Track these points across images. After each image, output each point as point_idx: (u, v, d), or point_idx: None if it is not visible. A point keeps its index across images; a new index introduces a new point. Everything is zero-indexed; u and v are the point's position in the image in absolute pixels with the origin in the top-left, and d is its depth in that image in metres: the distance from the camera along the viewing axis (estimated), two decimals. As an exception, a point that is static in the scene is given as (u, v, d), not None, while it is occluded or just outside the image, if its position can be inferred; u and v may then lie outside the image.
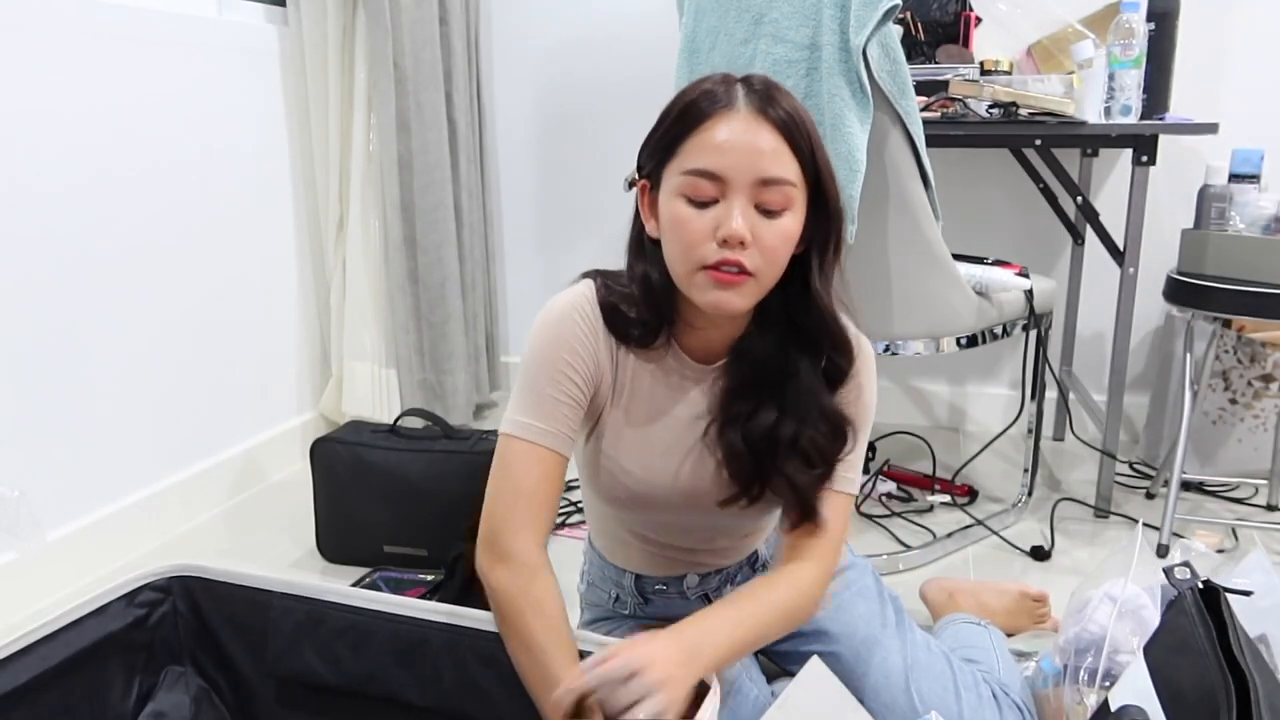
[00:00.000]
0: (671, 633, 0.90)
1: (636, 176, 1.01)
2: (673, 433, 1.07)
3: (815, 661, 1.06)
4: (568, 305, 1.02)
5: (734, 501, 1.05)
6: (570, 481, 2.28)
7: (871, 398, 1.08)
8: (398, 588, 1.71)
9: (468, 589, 1.64)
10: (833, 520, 1.04)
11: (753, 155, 0.91)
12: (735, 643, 0.94)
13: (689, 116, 0.94)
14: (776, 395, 1.02)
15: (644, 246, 1.02)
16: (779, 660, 1.25)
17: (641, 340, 1.03)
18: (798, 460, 1.02)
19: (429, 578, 1.73)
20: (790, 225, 0.94)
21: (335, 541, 1.87)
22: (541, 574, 0.97)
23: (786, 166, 0.92)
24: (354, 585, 1.71)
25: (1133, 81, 1.94)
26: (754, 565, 1.25)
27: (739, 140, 0.91)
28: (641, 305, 1.01)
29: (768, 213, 0.93)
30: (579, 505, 2.15)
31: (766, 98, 0.93)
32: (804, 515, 1.03)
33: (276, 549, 1.95)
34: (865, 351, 1.07)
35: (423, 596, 1.66)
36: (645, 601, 1.23)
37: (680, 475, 1.07)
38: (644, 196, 1.01)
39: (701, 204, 0.93)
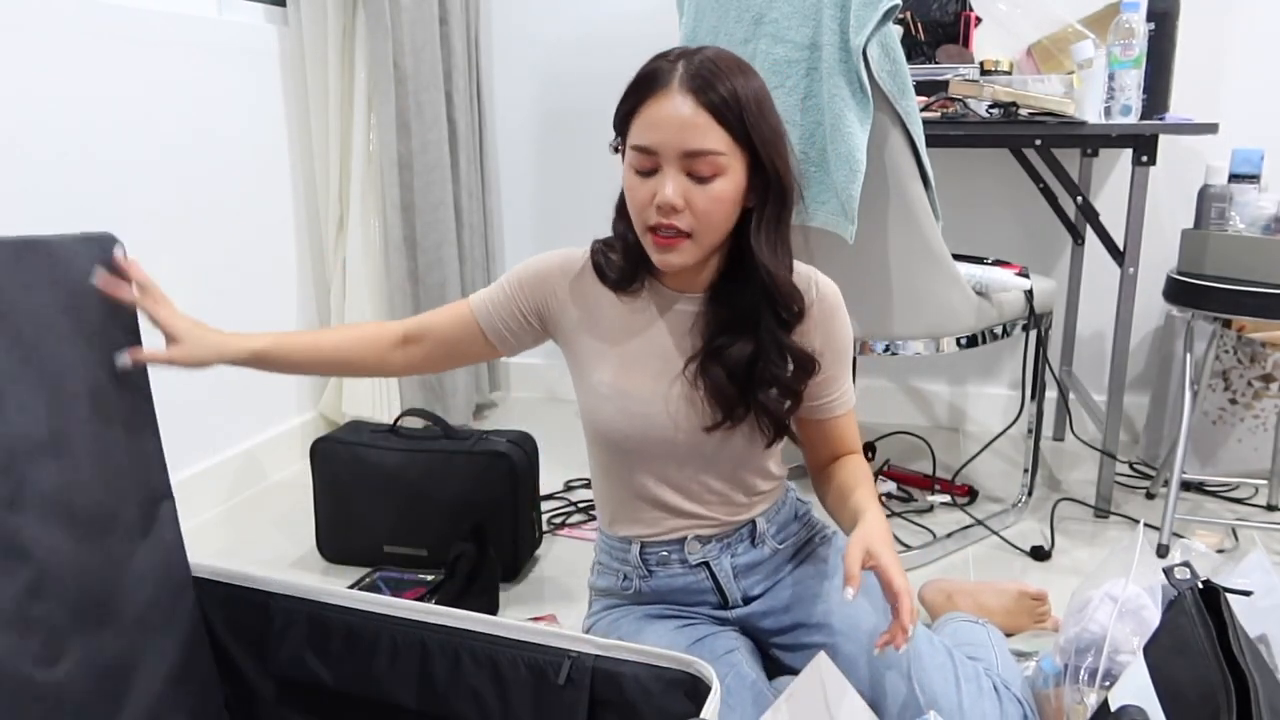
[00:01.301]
0: (868, 527, 1.09)
1: (620, 145, 1.14)
2: (660, 358, 1.18)
3: (822, 657, 1.07)
4: (556, 252, 1.24)
5: (718, 426, 1.16)
6: (571, 482, 2.28)
7: (843, 329, 1.21)
8: (398, 588, 1.71)
9: (468, 589, 1.64)
10: (851, 435, 1.28)
11: (679, 130, 1.04)
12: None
13: (635, 94, 1.08)
14: (751, 333, 1.14)
15: (624, 206, 1.15)
16: (783, 653, 1.25)
17: (618, 285, 1.19)
18: (769, 390, 1.15)
19: (429, 578, 1.73)
20: (723, 188, 1.06)
21: (335, 541, 1.87)
22: (367, 327, 1.26)
23: (712, 138, 1.04)
24: (354, 585, 1.71)
25: (1133, 81, 1.94)
26: (754, 538, 1.27)
27: (667, 117, 1.04)
28: (620, 255, 1.18)
29: (700, 179, 1.05)
30: (579, 505, 2.15)
31: (699, 77, 1.04)
32: (778, 434, 1.19)
33: (276, 549, 1.95)
34: (824, 292, 1.19)
35: (422, 597, 1.66)
36: (649, 574, 1.26)
37: (670, 398, 1.18)
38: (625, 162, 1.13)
39: (645, 173, 1.07)
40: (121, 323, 1.01)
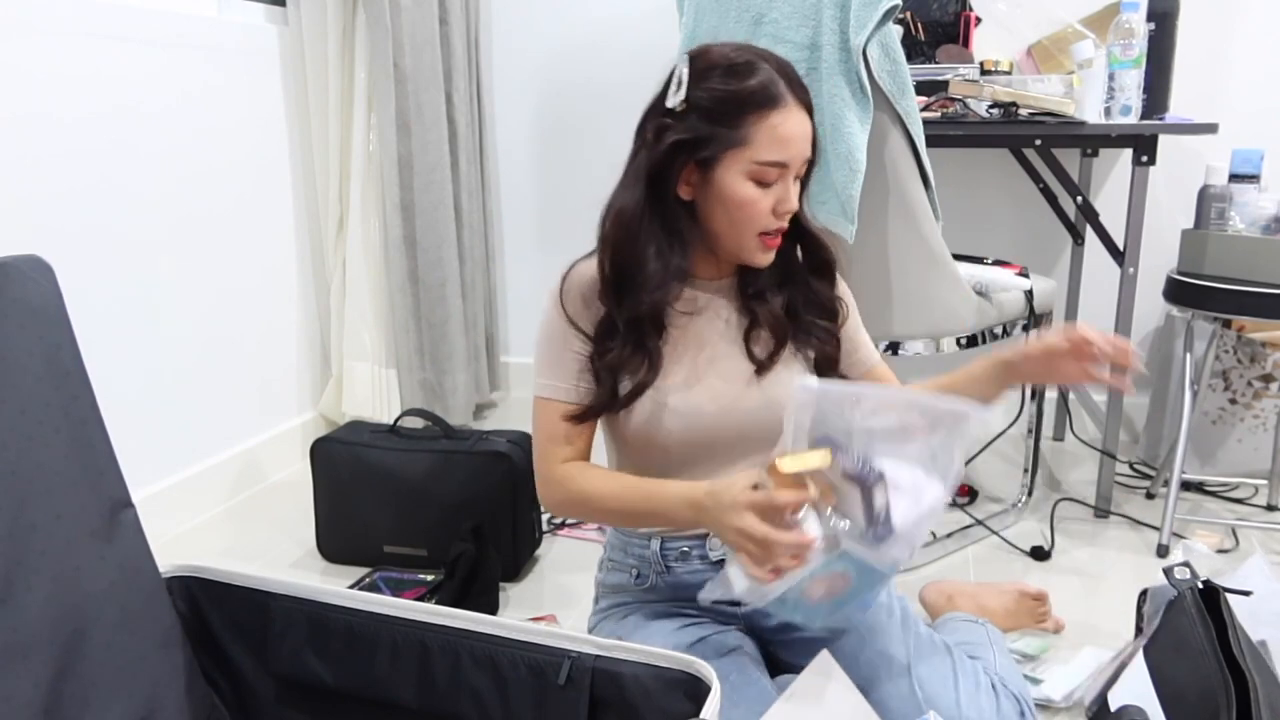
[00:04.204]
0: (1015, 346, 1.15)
1: (673, 139, 1.10)
2: (720, 358, 1.20)
3: (824, 655, 1.07)
4: (564, 271, 1.20)
5: (773, 360, 1.19)
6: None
7: (844, 283, 1.28)
8: (397, 588, 1.71)
9: (468, 589, 1.64)
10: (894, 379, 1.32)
11: (803, 144, 1.11)
12: None
13: (747, 108, 1.08)
14: (784, 284, 1.21)
15: (665, 206, 1.13)
16: (785, 650, 1.26)
17: (663, 299, 1.15)
18: (811, 335, 1.22)
19: (429, 578, 1.73)
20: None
21: (335, 541, 1.87)
22: (585, 466, 1.19)
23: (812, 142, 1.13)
24: (354, 585, 1.71)
25: (1133, 81, 1.94)
26: None
27: (796, 132, 1.09)
28: (655, 268, 1.13)
29: (798, 179, 1.14)
30: (579, 505, 2.15)
31: (801, 87, 1.11)
32: (828, 369, 1.23)
33: (276, 549, 1.95)
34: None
35: (422, 597, 1.66)
36: (667, 569, 1.24)
37: (736, 397, 1.19)
38: (685, 164, 1.11)
39: (766, 185, 1.10)
40: (63, 338, 1.00)
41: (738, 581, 1.02)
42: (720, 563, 1.24)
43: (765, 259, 1.16)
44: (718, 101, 1.09)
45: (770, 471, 0.99)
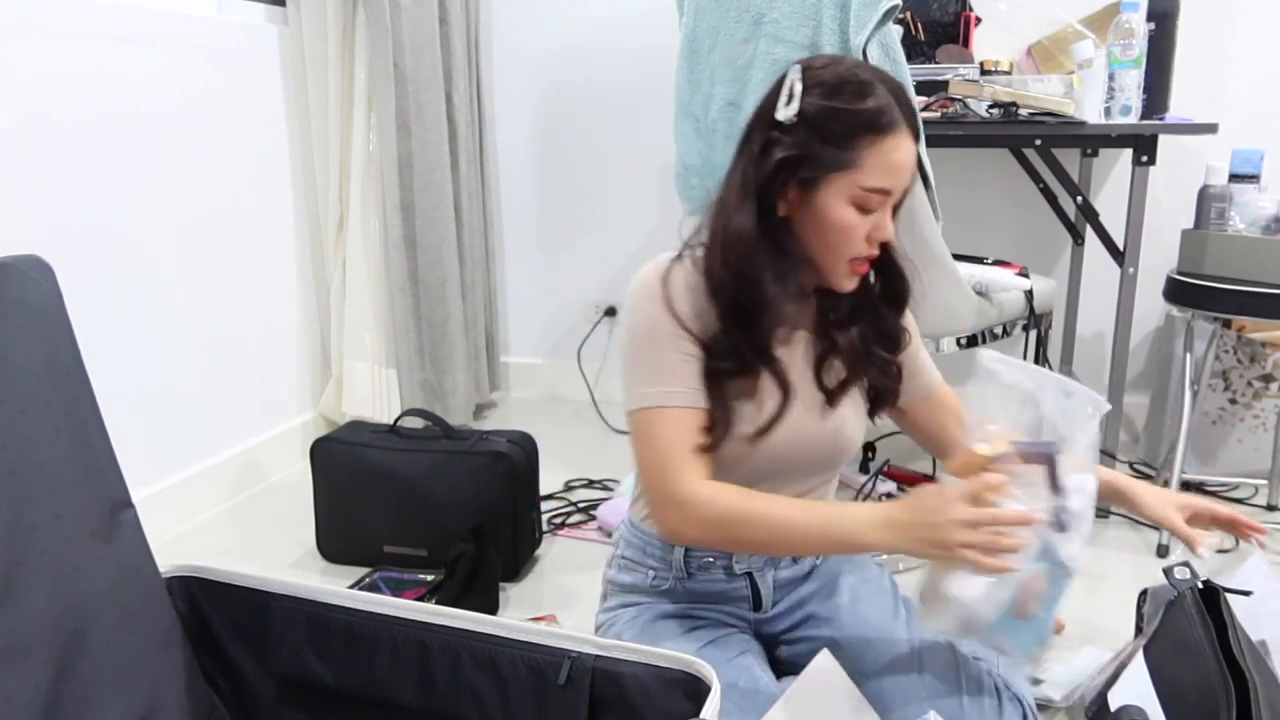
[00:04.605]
0: (1148, 492, 1.18)
1: (781, 155, 1.06)
2: (803, 391, 1.16)
3: (825, 654, 1.07)
4: (658, 274, 1.12)
5: (843, 390, 1.17)
6: (571, 482, 2.28)
7: (910, 320, 1.25)
8: (397, 588, 1.71)
9: (468, 589, 1.64)
10: (957, 401, 1.28)
11: (909, 173, 1.07)
12: None
13: (867, 131, 1.04)
14: (856, 315, 1.18)
15: (772, 224, 1.09)
16: (789, 648, 1.26)
17: (775, 325, 1.11)
18: (879, 365, 1.19)
19: (429, 578, 1.73)
20: None
21: (335, 541, 1.87)
22: (721, 486, 1.07)
23: None
24: (354, 585, 1.71)
25: (1133, 81, 1.94)
26: (795, 558, 1.26)
27: (906, 161, 1.06)
28: (775, 289, 1.08)
29: (895, 206, 1.10)
30: (579, 505, 2.15)
31: (913, 113, 1.07)
32: (889, 402, 1.22)
33: (276, 549, 1.96)
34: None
35: (422, 597, 1.66)
36: (688, 576, 1.23)
37: (817, 428, 1.17)
38: (788, 181, 1.07)
39: (867, 211, 1.06)
40: (63, 338, 1.00)
41: (965, 589, 0.99)
42: (747, 575, 1.23)
43: (850, 285, 1.12)
44: (831, 120, 1.05)
45: (960, 468, 1.00)
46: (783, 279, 1.08)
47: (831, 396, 1.16)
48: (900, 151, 1.05)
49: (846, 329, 1.17)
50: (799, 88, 1.05)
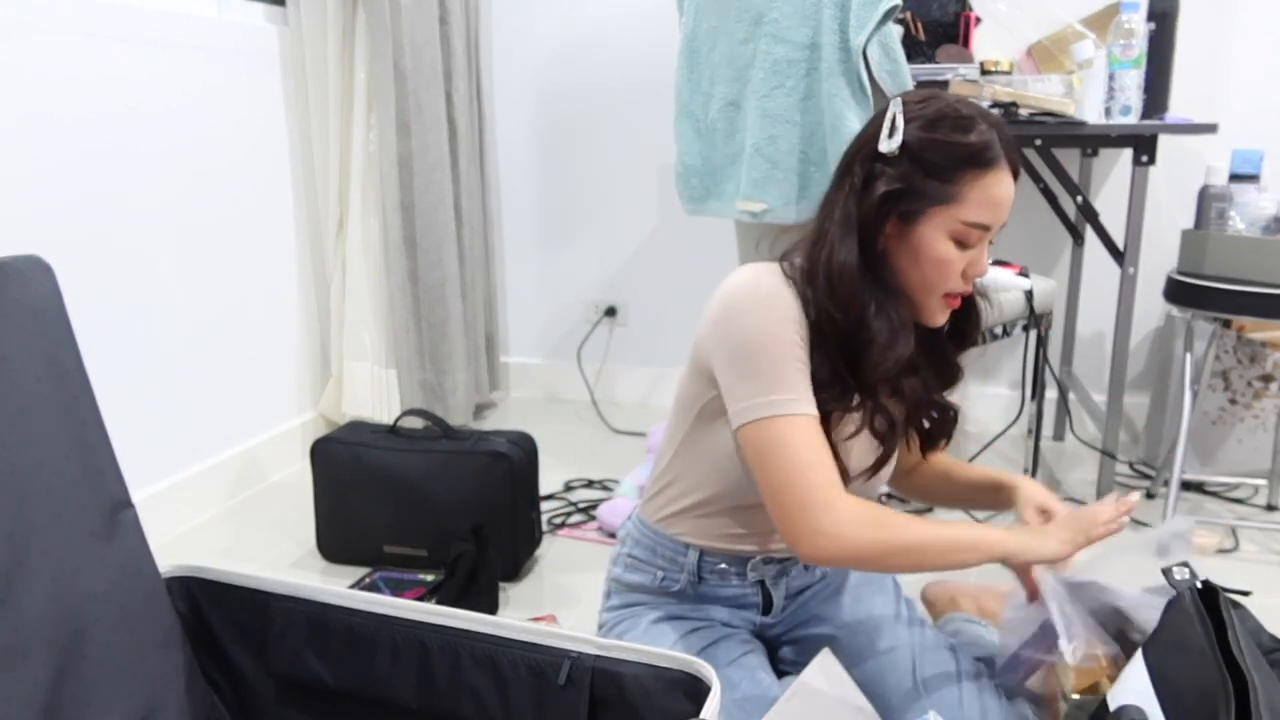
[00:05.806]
0: (1029, 487, 1.23)
1: (884, 189, 1.05)
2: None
3: (826, 654, 1.07)
4: (776, 279, 1.09)
5: (895, 434, 1.15)
6: (571, 482, 2.28)
7: None
8: (397, 588, 1.71)
9: (468, 589, 1.64)
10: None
11: (1008, 208, 1.07)
12: None
13: (971, 165, 1.04)
14: (922, 348, 1.15)
15: (873, 257, 1.08)
16: (790, 648, 1.26)
17: (900, 358, 1.09)
18: (935, 405, 1.21)
19: (429, 578, 1.73)
20: None
21: (335, 541, 1.87)
22: (862, 513, 1.03)
23: None
24: (354, 585, 1.71)
25: (1133, 81, 1.94)
26: (807, 566, 1.26)
27: (1006, 196, 1.06)
28: (881, 324, 1.07)
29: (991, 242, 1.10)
30: (579, 505, 2.15)
31: (1014, 149, 1.06)
32: (940, 439, 1.25)
33: (276, 549, 1.96)
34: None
35: (422, 597, 1.66)
36: (699, 580, 1.22)
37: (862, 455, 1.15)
38: (889, 214, 1.06)
39: (965, 246, 1.06)
40: (63, 338, 1.00)
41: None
42: (760, 583, 1.23)
43: (942, 319, 1.12)
44: (934, 152, 1.04)
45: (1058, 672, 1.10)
46: (885, 313, 1.07)
47: (885, 440, 1.13)
48: (1001, 187, 1.05)
49: (911, 371, 1.13)
50: (901, 120, 1.05)
